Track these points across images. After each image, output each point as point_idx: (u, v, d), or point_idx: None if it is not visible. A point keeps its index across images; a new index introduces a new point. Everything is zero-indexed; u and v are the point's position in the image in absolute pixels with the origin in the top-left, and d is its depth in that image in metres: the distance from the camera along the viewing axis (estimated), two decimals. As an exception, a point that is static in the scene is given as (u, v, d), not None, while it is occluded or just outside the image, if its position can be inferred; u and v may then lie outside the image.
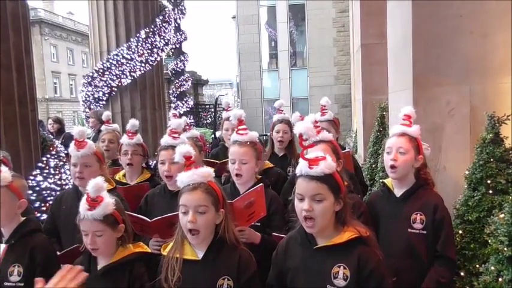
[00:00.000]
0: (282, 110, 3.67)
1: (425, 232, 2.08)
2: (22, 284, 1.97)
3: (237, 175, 2.33)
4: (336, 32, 17.39)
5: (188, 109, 14.25)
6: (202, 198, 1.73)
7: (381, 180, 4.12)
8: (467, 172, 2.32)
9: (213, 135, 11.25)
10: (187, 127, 3.41)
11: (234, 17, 19.75)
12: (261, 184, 2.25)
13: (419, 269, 2.07)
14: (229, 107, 3.95)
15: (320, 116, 3.18)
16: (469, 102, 2.66)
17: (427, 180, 2.21)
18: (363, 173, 4.31)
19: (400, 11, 2.96)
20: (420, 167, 2.20)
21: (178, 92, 14.24)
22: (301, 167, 1.62)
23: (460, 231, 2.25)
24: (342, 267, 1.59)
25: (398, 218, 2.15)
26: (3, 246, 1.51)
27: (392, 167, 2.15)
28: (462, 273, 2.18)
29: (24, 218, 2.15)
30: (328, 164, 1.60)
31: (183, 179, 1.76)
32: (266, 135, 7.88)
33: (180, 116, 4.21)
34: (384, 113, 4.71)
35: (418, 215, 2.10)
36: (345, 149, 3.67)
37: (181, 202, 1.75)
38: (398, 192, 2.21)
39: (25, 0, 3.99)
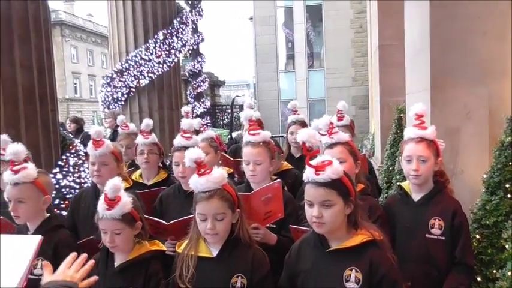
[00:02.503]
0: (297, 111, 3.66)
1: (443, 238, 2.05)
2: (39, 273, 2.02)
3: (251, 176, 2.33)
4: (353, 32, 17.25)
5: (205, 110, 14.34)
6: (220, 206, 1.76)
7: (398, 183, 4.08)
8: (485, 176, 2.28)
9: (229, 136, 11.30)
10: (203, 128, 3.43)
11: (251, 18, 19.79)
12: (279, 180, 2.24)
13: (436, 275, 2.05)
14: (252, 108, 3.95)
15: (337, 121, 3.15)
16: (487, 104, 2.61)
17: (445, 184, 2.18)
18: (376, 176, 4.27)
19: (417, 11, 2.93)
20: (438, 170, 2.17)
21: (195, 93, 14.34)
22: (308, 173, 1.62)
23: (477, 236, 2.21)
24: (354, 270, 1.59)
25: (416, 223, 2.12)
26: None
27: (414, 175, 2.11)
28: (479, 279, 2.14)
29: (49, 214, 2.22)
30: (334, 169, 1.59)
31: (197, 185, 1.78)
32: (282, 136, 7.88)
33: (196, 116, 4.24)
34: (402, 115, 4.66)
35: (437, 220, 2.07)
36: (360, 151, 3.64)
37: (199, 210, 1.77)
38: (416, 196, 2.18)
39: (46, 3, 4.08)
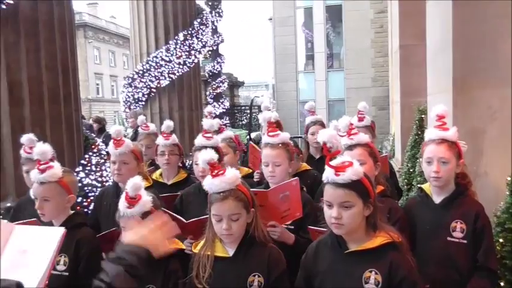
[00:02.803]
0: (314, 112, 3.64)
1: (465, 241, 2.01)
2: (67, 274, 2.07)
3: (270, 177, 2.34)
4: (373, 33, 17.06)
5: (224, 110, 14.41)
6: (234, 207, 1.77)
7: (418, 185, 4.02)
8: (509, 178, 2.22)
9: (248, 137, 11.32)
10: (221, 128, 3.46)
11: (270, 19, 19.80)
12: (297, 178, 2.24)
13: (457, 280, 2.01)
14: (269, 110, 3.95)
15: (357, 122, 3.12)
16: (511, 106, 2.55)
17: (467, 186, 2.14)
18: (397, 177, 4.22)
19: (439, 11, 2.88)
20: (459, 171, 2.13)
21: (214, 94, 14.43)
22: (328, 174, 1.61)
23: (501, 240, 2.16)
24: (373, 272, 1.57)
25: (437, 226, 2.08)
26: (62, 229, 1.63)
27: (435, 177, 2.08)
28: (502, 284, 2.10)
29: (73, 211, 2.28)
30: (355, 170, 1.58)
31: (212, 186, 1.79)
32: (301, 137, 7.85)
33: (215, 116, 4.26)
34: (423, 116, 4.59)
35: (459, 223, 2.03)
36: (381, 153, 3.60)
37: (214, 211, 1.79)
38: (437, 198, 2.15)
39: (71, 5, 4.18)
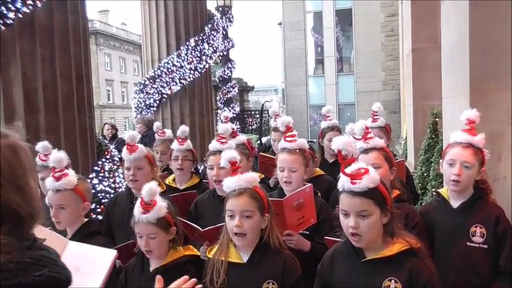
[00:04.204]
0: (329, 116, 3.62)
1: (486, 246, 1.97)
2: None
3: (286, 182, 2.32)
4: (384, 36, 16.99)
5: (234, 115, 14.42)
6: (248, 203, 1.76)
7: (433, 190, 3.95)
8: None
9: (258, 141, 11.30)
10: (234, 133, 3.46)
11: (280, 24, 19.83)
12: (310, 184, 2.22)
13: (478, 285, 1.96)
14: (277, 115, 3.95)
15: (371, 122, 3.10)
16: (531, 109, 2.50)
17: (486, 190, 2.09)
18: (413, 182, 4.16)
19: (456, 12, 2.84)
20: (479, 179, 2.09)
21: (225, 99, 14.45)
22: (343, 182, 1.57)
23: (522, 245, 2.11)
24: (393, 280, 1.53)
25: (456, 231, 2.04)
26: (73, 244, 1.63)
27: (455, 181, 2.03)
28: (525, 290, 2.04)
29: (87, 219, 2.28)
30: (371, 178, 1.54)
31: (229, 184, 1.80)
32: (312, 141, 7.82)
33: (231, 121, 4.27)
34: (437, 119, 4.53)
35: (478, 227, 1.99)
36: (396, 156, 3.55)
37: (228, 207, 1.78)
38: (455, 203, 2.10)
39: (85, 13, 4.22)
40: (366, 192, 1.53)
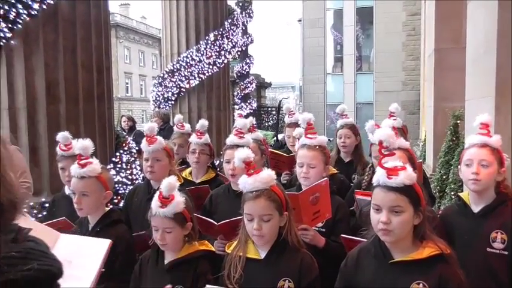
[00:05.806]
0: (346, 115, 3.58)
1: (506, 253, 1.92)
2: (103, 270, 2.10)
3: (304, 177, 2.31)
4: (405, 35, 16.72)
5: (251, 111, 14.42)
6: (266, 207, 1.74)
7: (452, 193, 3.88)
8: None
9: (274, 138, 11.29)
10: (252, 128, 3.46)
11: (299, 21, 19.71)
12: (326, 179, 2.21)
13: (500, 292, 1.92)
14: (291, 111, 3.93)
15: None
16: (560, 113, 2.43)
17: (509, 195, 2.04)
18: (430, 184, 4.10)
19: (483, 12, 2.77)
20: (501, 180, 2.04)
21: (242, 94, 14.45)
22: (379, 176, 1.53)
23: (544, 253, 2.05)
24: (421, 284, 1.49)
25: (476, 236, 2.00)
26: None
27: (474, 180, 1.99)
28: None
29: (109, 208, 2.30)
30: (408, 175, 1.51)
31: (246, 184, 1.78)
32: (329, 139, 7.75)
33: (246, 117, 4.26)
34: (458, 121, 4.45)
35: (499, 233, 1.94)
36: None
37: (246, 210, 1.77)
38: (476, 207, 2.06)
39: (107, 6, 4.26)
40: (401, 189, 1.50)
